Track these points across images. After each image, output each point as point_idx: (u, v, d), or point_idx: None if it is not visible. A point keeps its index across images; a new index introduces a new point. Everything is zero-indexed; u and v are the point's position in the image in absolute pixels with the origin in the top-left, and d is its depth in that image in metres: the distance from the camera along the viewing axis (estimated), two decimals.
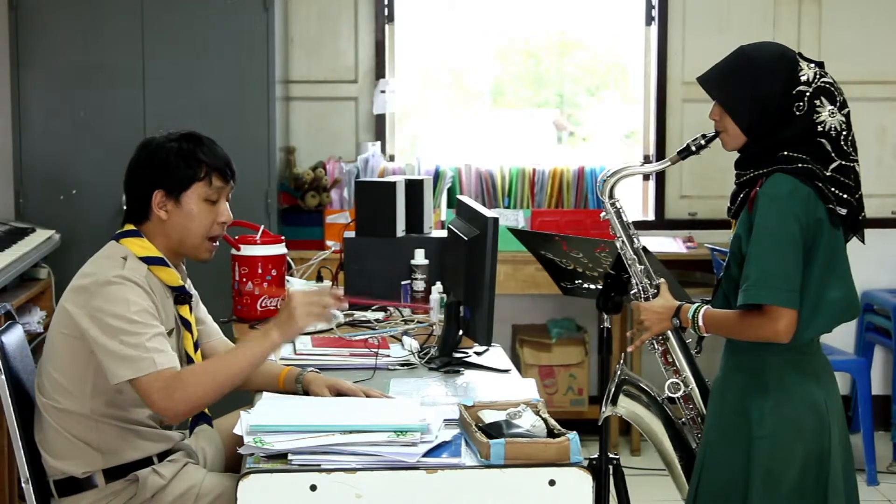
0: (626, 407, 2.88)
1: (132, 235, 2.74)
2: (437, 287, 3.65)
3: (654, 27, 5.63)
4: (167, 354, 2.58)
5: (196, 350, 2.81)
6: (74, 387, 2.66)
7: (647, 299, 2.86)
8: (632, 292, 2.91)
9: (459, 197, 3.66)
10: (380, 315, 3.70)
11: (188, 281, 2.91)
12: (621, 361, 2.88)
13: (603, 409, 2.90)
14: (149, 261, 2.71)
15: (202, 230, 2.76)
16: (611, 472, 3.29)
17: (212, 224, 2.77)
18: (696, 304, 2.74)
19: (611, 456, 3.29)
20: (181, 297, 2.79)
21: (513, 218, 5.30)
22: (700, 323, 2.70)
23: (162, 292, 2.73)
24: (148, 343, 2.55)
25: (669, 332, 2.84)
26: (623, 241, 2.91)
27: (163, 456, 2.76)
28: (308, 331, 3.46)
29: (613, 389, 2.87)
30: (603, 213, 2.94)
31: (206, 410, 2.78)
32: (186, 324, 2.80)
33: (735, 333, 2.67)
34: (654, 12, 5.62)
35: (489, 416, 2.49)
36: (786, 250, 2.53)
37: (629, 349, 2.91)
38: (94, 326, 2.58)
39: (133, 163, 2.79)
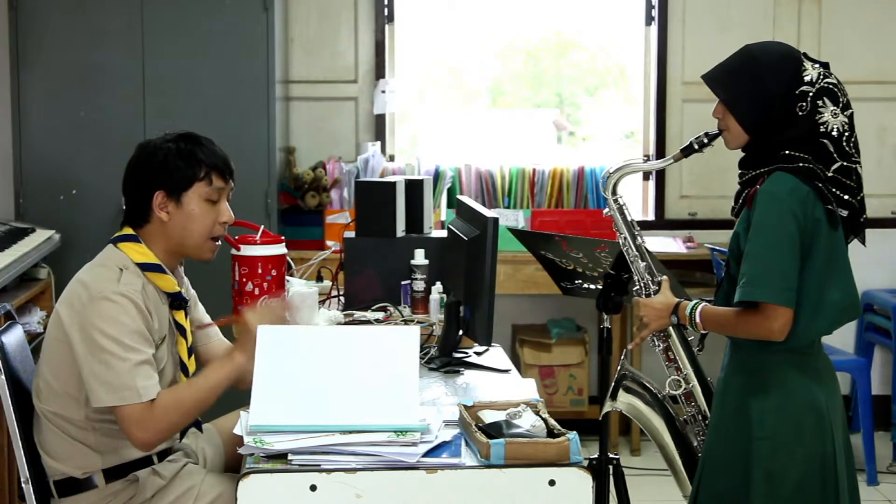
0: (626, 402, 2.88)
1: (130, 240, 2.73)
2: (437, 287, 3.65)
3: (654, 27, 5.62)
4: (151, 384, 2.57)
5: (190, 355, 2.80)
6: (68, 393, 2.65)
7: (648, 296, 2.87)
8: (634, 289, 2.91)
9: (459, 197, 3.66)
10: (380, 315, 3.70)
11: (185, 284, 2.91)
12: (623, 357, 2.88)
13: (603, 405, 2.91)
14: (146, 267, 2.70)
15: (204, 230, 2.75)
16: (611, 472, 3.29)
17: (213, 224, 2.76)
18: (694, 302, 2.75)
19: (611, 456, 3.29)
20: (176, 302, 2.78)
21: (513, 218, 5.30)
22: (697, 320, 2.71)
23: (157, 299, 2.72)
24: (135, 370, 2.55)
25: (671, 330, 2.85)
26: (626, 238, 2.91)
27: (162, 456, 2.76)
28: None
29: (613, 385, 2.87)
30: (606, 210, 2.94)
31: None
32: (181, 329, 2.79)
33: (731, 331, 2.67)
34: (654, 12, 5.62)
35: (489, 416, 2.49)
36: (783, 249, 2.54)
37: (630, 346, 2.92)
38: (82, 342, 2.57)
39: (131, 165, 2.78)
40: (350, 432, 2.36)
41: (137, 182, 2.75)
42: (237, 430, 2.45)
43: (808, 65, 2.63)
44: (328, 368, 2.52)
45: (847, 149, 2.60)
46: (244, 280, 3.63)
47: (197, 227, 2.74)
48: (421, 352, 3.25)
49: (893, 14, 5.64)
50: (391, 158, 5.59)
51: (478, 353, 3.27)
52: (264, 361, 2.52)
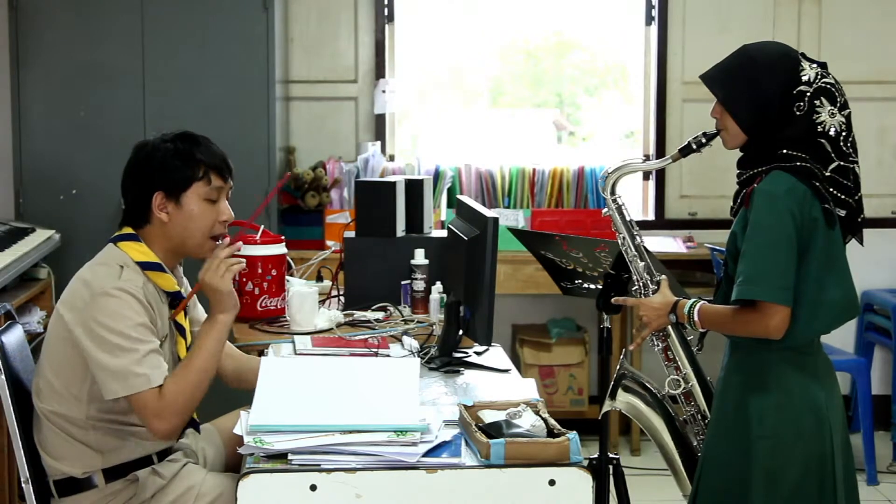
0: (625, 401, 2.88)
1: (130, 239, 2.73)
2: (437, 287, 3.65)
3: (654, 27, 5.63)
4: (159, 371, 2.58)
5: None
6: (69, 392, 2.65)
7: (646, 295, 2.87)
8: (633, 289, 2.91)
9: (459, 197, 3.66)
10: (380, 315, 3.70)
11: (185, 284, 2.91)
12: (622, 357, 2.88)
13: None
14: (146, 266, 2.71)
15: (204, 230, 2.75)
16: (611, 472, 3.29)
17: (213, 223, 2.77)
18: (693, 300, 2.75)
19: (611, 456, 3.29)
20: (176, 301, 2.78)
21: (513, 218, 5.30)
22: (695, 318, 2.71)
23: (157, 298, 2.72)
24: (143, 359, 2.55)
25: (670, 329, 2.85)
26: (625, 238, 2.92)
27: (162, 455, 2.76)
28: (308, 331, 3.47)
29: (612, 384, 2.87)
30: (605, 210, 2.95)
31: (195, 415, 2.78)
32: (181, 329, 2.80)
33: (729, 329, 2.67)
34: (654, 12, 5.62)
35: (489, 416, 2.49)
36: (780, 247, 2.54)
37: (630, 347, 2.92)
38: (88, 338, 2.57)
39: (129, 166, 2.77)
40: (350, 432, 2.36)
41: (136, 183, 2.74)
42: (237, 430, 2.45)
43: (805, 64, 2.63)
44: (329, 389, 2.54)
45: (845, 148, 2.60)
46: (244, 280, 3.64)
47: (197, 227, 2.74)
48: (421, 352, 3.25)
49: (893, 14, 5.64)
50: (391, 158, 5.59)
51: (478, 353, 3.27)
52: (266, 383, 2.53)
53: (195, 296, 2.99)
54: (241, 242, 2.83)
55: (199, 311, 3.01)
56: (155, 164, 2.72)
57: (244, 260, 2.80)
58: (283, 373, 2.60)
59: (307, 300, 3.55)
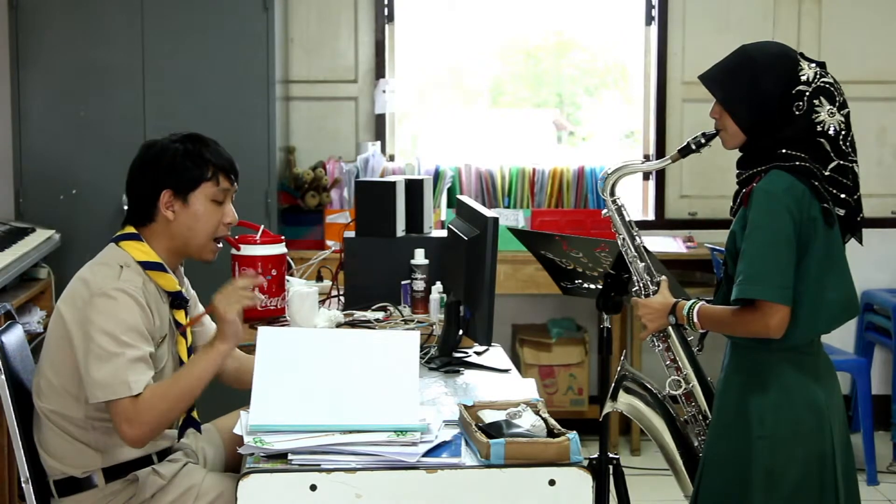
0: (626, 402, 2.88)
1: (132, 239, 2.74)
2: (437, 287, 3.65)
3: (654, 27, 5.63)
4: (143, 379, 2.56)
5: (190, 354, 2.80)
6: (68, 392, 2.65)
7: (647, 296, 2.87)
8: (633, 290, 2.91)
9: (459, 197, 3.66)
10: (380, 315, 3.70)
11: (186, 284, 2.91)
12: (622, 357, 2.88)
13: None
14: (147, 265, 2.71)
15: (208, 230, 2.76)
16: (611, 472, 3.29)
17: (217, 225, 2.78)
18: (692, 301, 2.75)
19: (611, 456, 3.29)
20: (177, 301, 2.79)
21: (513, 218, 5.30)
22: (695, 319, 2.71)
23: (158, 298, 2.72)
24: (129, 365, 2.54)
25: (670, 330, 2.85)
26: (624, 239, 2.92)
27: (162, 456, 2.76)
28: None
29: (613, 385, 2.87)
30: (605, 211, 2.94)
31: (195, 415, 2.78)
32: (181, 328, 2.80)
33: (728, 329, 2.67)
34: (654, 12, 5.62)
35: (489, 416, 2.49)
36: (779, 246, 2.54)
37: (643, 336, 2.91)
38: (81, 337, 2.58)
39: (137, 164, 2.78)
40: (350, 432, 2.36)
41: (143, 181, 2.75)
42: (237, 430, 2.45)
43: (804, 64, 2.63)
44: (328, 370, 2.52)
45: (844, 148, 2.61)
46: None
47: (202, 227, 2.75)
48: (421, 352, 3.25)
49: (893, 14, 5.64)
50: (391, 158, 5.59)
51: (478, 353, 3.27)
52: (264, 362, 2.52)
53: (196, 297, 2.99)
54: (263, 278, 2.82)
55: (200, 311, 3.01)
56: (164, 163, 2.73)
57: (261, 296, 2.79)
58: (281, 348, 2.56)
59: (307, 300, 3.55)
